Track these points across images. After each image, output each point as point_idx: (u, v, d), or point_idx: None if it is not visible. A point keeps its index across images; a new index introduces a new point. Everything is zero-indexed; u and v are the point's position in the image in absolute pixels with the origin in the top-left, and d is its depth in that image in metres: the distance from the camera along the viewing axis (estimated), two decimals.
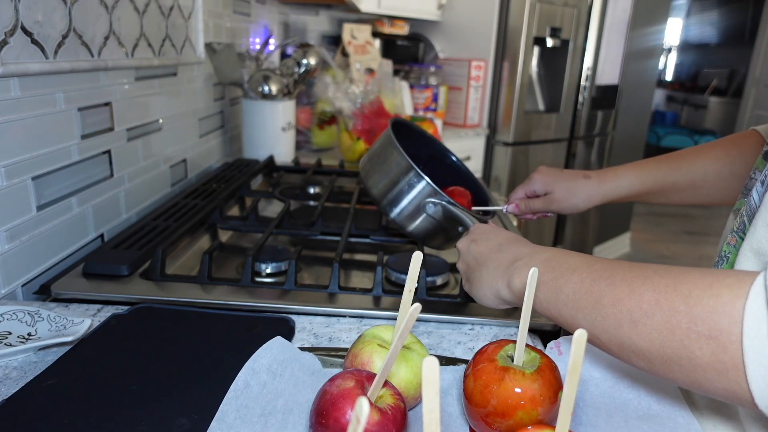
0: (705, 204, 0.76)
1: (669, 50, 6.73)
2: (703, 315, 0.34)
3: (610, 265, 0.43)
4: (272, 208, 1.09)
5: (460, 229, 0.70)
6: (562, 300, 0.45)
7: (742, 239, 0.48)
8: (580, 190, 0.78)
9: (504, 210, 0.83)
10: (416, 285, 0.45)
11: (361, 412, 0.25)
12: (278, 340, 0.51)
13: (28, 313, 0.57)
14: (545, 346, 0.58)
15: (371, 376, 0.41)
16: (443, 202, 0.69)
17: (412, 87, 2.30)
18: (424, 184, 0.70)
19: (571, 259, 0.47)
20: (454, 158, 0.90)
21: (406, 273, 0.46)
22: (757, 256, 0.44)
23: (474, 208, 0.81)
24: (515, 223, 1.19)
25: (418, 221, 0.72)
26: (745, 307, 0.33)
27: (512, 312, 0.66)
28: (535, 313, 0.65)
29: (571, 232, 2.99)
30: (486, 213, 0.82)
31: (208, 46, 1.22)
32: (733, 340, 0.33)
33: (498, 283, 0.54)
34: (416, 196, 0.71)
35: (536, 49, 2.64)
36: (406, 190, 0.71)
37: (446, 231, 0.73)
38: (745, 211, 0.50)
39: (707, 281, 0.35)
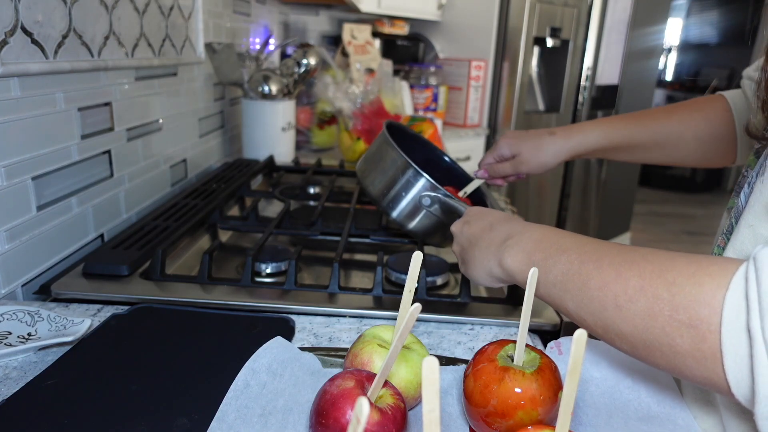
0: (668, 164, 0.79)
1: (669, 50, 6.72)
2: (685, 304, 0.35)
3: (600, 248, 0.43)
4: (272, 208, 1.09)
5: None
6: (551, 281, 0.45)
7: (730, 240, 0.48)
8: (546, 147, 0.78)
9: (474, 176, 0.84)
10: (416, 285, 0.45)
11: (361, 412, 0.25)
12: (278, 340, 0.51)
13: (28, 313, 0.57)
14: (545, 346, 0.58)
15: (371, 376, 0.41)
16: (439, 195, 0.70)
17: (412, 87, 2.30)
18: (421, 180, 0.70)
19: (562, 239, 0.47)
20: (447, 159, 0.90)
21: (406, 273, 0.46)
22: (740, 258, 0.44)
23: (460, 194, 0.81)
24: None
25: (418, 218, 0.72)
26: (725, 297, 0.33)
27: (512, 312, 0.66)
28: (535, 313, 0.65)
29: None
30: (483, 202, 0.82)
31: (208, 46, 1.22)
32: (713, 330, 0.33)
33: (490, 262, 0.54)
34: (415, 193, 0.71)
35: (536, 49, 2.64)
36: (404, 187, 0.71)
37: (445, 226, 0.73)
38: (734, 212, 0.50)
39: (691, 269, 0.36)
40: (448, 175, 0.89)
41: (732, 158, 0.72)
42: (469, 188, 0.83)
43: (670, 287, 0.36)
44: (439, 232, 0.74)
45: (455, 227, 0.62)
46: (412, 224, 0.73)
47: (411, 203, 0.71)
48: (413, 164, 0.70)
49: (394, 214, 0.73)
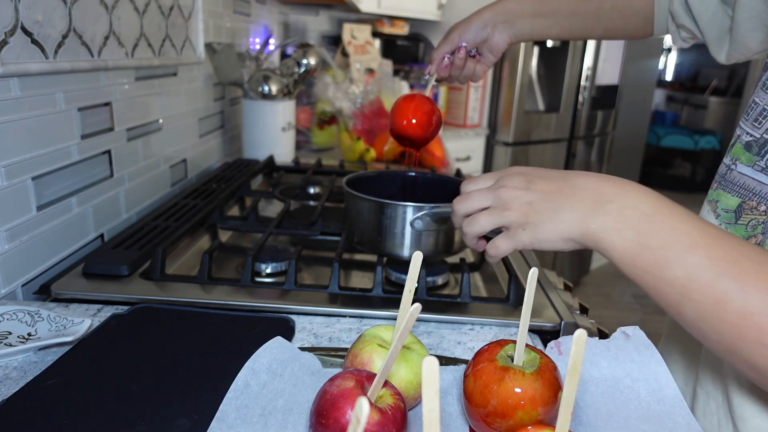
0: (589, 38, 0.80)
1: (669, 50, 6.72)
2: None
3: (735, 256, 0.37)
4: (272, 208, 1.09)
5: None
6: (668, 279, 0.39)
7: None
8: (476, 14, 0.78)
9: (427, 76, 0.79)
10: (416, 285, 0.45)
11: (361, 412, 0.25)
12: (278, 340, 0.51)
13: (28, 313, 0.57)
14: (545, 346, 0.58)
15: (371, 376, 0.41)
16: (425, 212, 0.69)
17: (412, 87, 2.30)
18: (402, 209, 0.70)
19: (682, 224, 0.40)
20: (415, 173, 0.88)
21: (406, 273, 0.46)
22: None
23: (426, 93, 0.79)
24: None
25: (423, 243, 0.72)
26: None
27: (512, 312, 0.67)
28: (535, 313, 0.65)
29: None
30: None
31: (208, 46, 1.22)
32: None
33: (573, 225, 0.45)
34: (406, 223, 0.70)
35: (536, 49, 2.63)
36: (392, 224, 0.71)
37: (447, 233, 0.73)
38: (762, 230, 0.47)
39: None
40: (430, 184, 0.88)
41: (650, 32, 0.74)
42: (428, 88, 0.79)
43: None
44: (448, 243, 0.74)
45: (509, 193, 0.49)
46: (422, 249, 0.72)
47: (409, 234, 0.71)
48: (385, 200, 0.70)
49: (405, 252, 0.72)
